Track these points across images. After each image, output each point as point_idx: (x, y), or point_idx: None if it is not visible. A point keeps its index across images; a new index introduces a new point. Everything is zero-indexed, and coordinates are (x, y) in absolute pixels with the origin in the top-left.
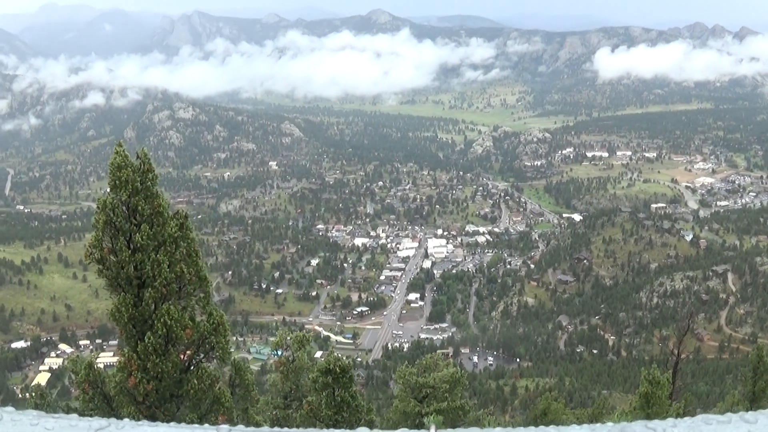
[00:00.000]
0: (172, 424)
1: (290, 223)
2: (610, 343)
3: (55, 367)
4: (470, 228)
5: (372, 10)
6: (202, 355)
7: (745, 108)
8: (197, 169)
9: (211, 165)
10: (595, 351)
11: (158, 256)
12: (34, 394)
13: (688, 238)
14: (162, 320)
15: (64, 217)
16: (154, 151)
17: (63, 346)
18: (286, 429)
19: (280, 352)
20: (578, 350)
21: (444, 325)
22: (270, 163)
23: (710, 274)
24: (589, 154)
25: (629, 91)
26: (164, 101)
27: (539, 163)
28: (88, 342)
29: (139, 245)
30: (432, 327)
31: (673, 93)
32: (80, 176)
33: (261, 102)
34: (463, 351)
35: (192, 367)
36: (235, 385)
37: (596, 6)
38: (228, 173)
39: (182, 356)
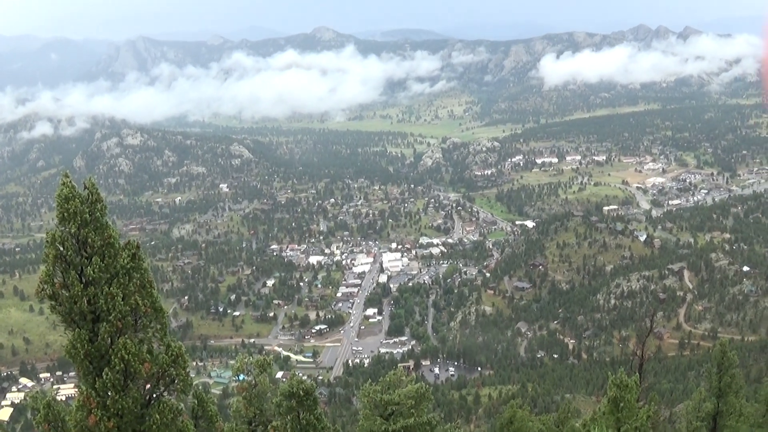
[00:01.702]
0: None
1: (244, 245)
2: (570, 346)
3: (17, 401)
4: (424, 240)
5: (316, 27)
6: (162, 389)
7: (692, 107)
8: (148, 195)
9: (162, 190)
10: (555, 355)
11: (111, 288)
12: None
13: (642, 238)
14: (119, 355)
15: (17, 249)
16: (105, 179)
17: (24, 380)
18: None
19: (241, 377)
20: (539, 356)
21: (403, 338)
22: (221, 185)
23: (666, 272)
24: (539, 161)
25: (576, 96)
26: (112, 128)
27: (489, 172)
28: (48, 375)
29: (91, 278)
30: (391, 341)
31: (619, 96)
32: (32, 208)
33: (209, 125)
34: (424, 363)
35: (153, 402)
36: (198, 417)
37: (540, 13)
38: (179, 198)
39: (142, 390)
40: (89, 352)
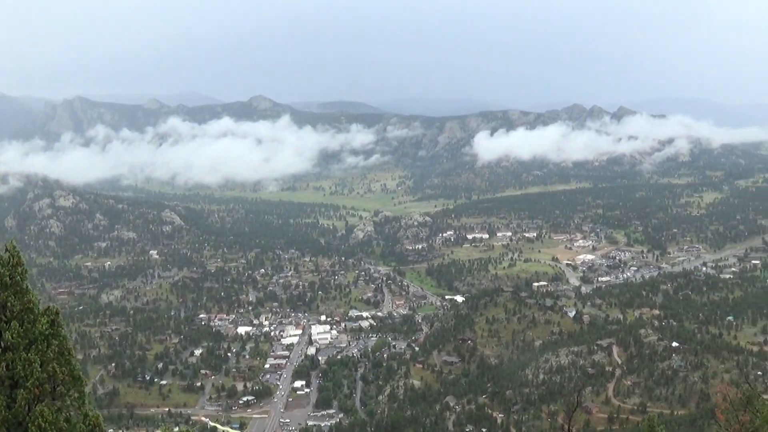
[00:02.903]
0: None
1: (172, 313)
2: (499, 421)
3: None
4: (354, 313)
5: (253, 96)
6: None
7: (624, 185)
8: (78, 258)
9: (92, 254)
10: (484, 430)
11: (30, 354)
12: None
13: (572, 314)
14: (36, 423)
15: None
16: (35, 240)
17: None
18: None
19: None
20: (467, 430)
21: (331, 411)
22: (151, 251)
23: (595, 348)
24: (470, 236)
25: (508, 173)
26: (45, 188)
27: (420, 247)
28: None
29: (9, 344)
30: (319, 414)
31: (552, 174)
32: None
33: (142, 189)
34: None
35: None
36: None
37: (475, 90)
38: (109, 263)
39: None
40: (6, 419)
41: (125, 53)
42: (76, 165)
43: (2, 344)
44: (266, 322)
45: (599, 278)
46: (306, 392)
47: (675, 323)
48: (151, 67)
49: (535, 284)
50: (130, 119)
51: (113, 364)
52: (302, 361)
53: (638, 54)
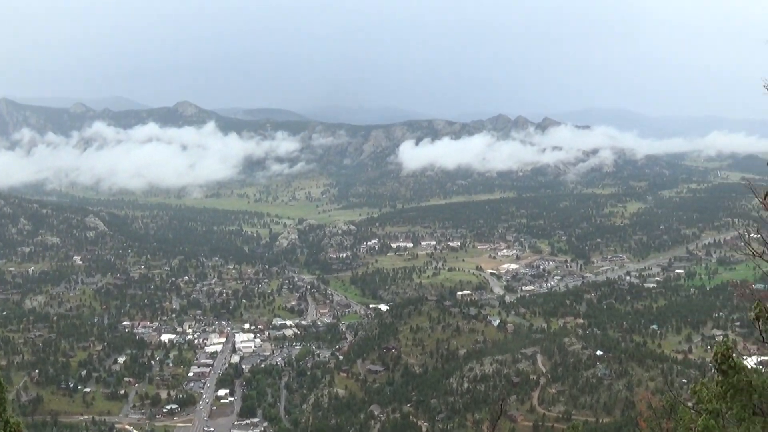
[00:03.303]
0: None
1: (96, 320)
2: (424, 429)
3: None
4: (277, 321)
5: (179, 102)
6: None
7: (548, 195)
8: (1, 263)
9: (16, 259)
10: None
11: None
12: None
13: (496, 323)
14: None
15: None
16: None
17: None
18: None
19: None
20: None
21: (255, 420)
22: (74, 257)
23: (519, 356)
24: (394, 245)
25: (433, 183)
26: None
27: (345, 255)
28: None
29: None
30: (243, 422)
31: (476, 183)
32: None
33: (66, 194)
34: None
35: None
36: None
37: (401, 100)
38: (32, 268)
39: None
40: None
41: (52, 55)
42: (1, 168)
43: None
44: (190, 330)
45: (523, 287)
46: (230, 401)
47: (599, 332)
48: (78, 70)
49: (459, 293)
50: (56, 123)
51: (37, 371)
52: (226, 369)
53: (563, 65)
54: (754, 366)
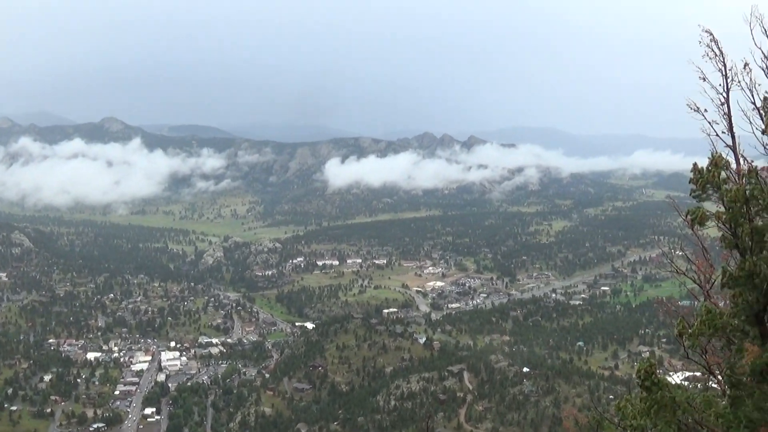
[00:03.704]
0: None
1: (21, 337)
2: None
3: None
4: (203, 339)
5: (105, 117)
6: None
7: (473, 213)
8: None
9: None
10: None
11: None
12: None
13: (422, 340)
14: None
15: None
16: None
17: None
18: None
19: None
20: None
21: None
22: (0, 274)
23: (446, 374)
24: (320, 263)
25: (359, 201)
26: None
27: (270, 273)
28: None
29: None
30: None
31: (402, 201)
32: None
33: None
34: None
35: None
36: None
37: (327, 117)
38: None
39: None
40: None
41: None
42: None
43: None
44: (116, 348)
45: (449, 305)
46: (156, 419)
47: (525, 349)
48: (3, 85)
49: (386, 311)
50: None
51: None
52: (152, 387)
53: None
54: (679, 382)
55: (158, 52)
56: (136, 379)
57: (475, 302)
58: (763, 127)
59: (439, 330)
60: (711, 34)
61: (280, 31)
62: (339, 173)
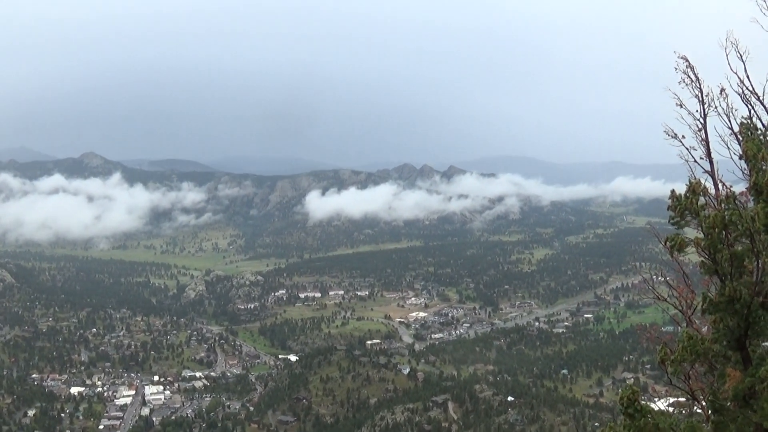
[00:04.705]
0: None
1: (5, 373)
2: None
3: None
4: (187, 373)
5: (85, 153)
6: None
7: (455, 243)
8: None
9: None
10: None
11: None
12: None
13: (406, 371)
14: None
15: None
16: None
17: None
18: None
19: None
20: None
21: None
22: None
23: (430, 404)
24: (302, 295)
25: (340, 232)
26: None
27: (253, 306)
28: None
29: None
30: None
31: (383, 232)
32: None
33: None
34: None
35: None
36: None
37: (306, 150)
38: None
39: None
40: None
41: None
42: None
43: None
44: (99, 383)
45: (432, 335)
46: None
47: (510, 378)
48: None
49: (369, 342)
50: None
51: None
52: (136, 422)
53: (468, 114)
54: (663, 408)
55: (137, 89)
56: (120, 414)
57: (458, 332)
58: (741, 152)
59: (422, 360)
60: (687, 60)
61: (252, 67)
62: (320, 205)
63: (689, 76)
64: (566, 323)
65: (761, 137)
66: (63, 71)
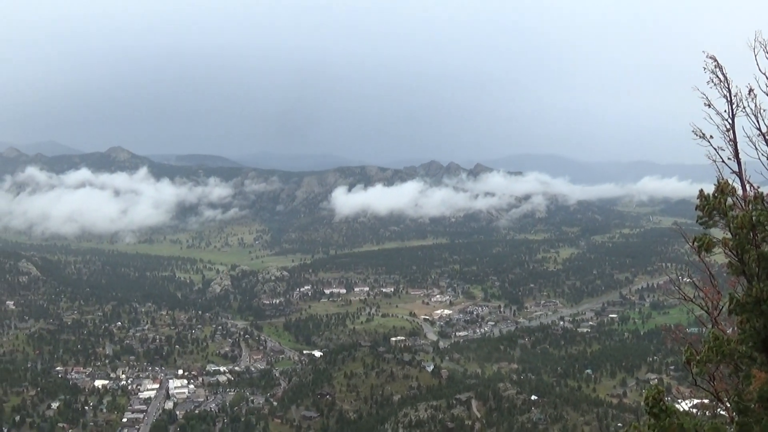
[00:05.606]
0: None
1: (29, 365)
2: None
3: None
4: (211, 367)
5: (112, 147)
6: None
7: (480, 241)
8: None
9: None
10: None
11: None
12: None
13: (430, 368)
14: None
15: None
16: None
17: None
18: None
19: None
20: None
21: None
22: (7, 302)
23: (454, 402)
24: (327, 291)
25: (366, 229)
26: None
27: (278, 301)
28: None
29: None
30: None
31: (409, 229)
32: None
33: None
34: None
35: None
36: None
37: (333, 146)
38: None
39: None
40: None
41: None
42: None
43: None
44: (123, 376)
45: (457, 333)
46: None
47: (533, 377)
48: (10, 114)
49: (393, 339)
50: None
51: None
52: (160, 415)
53: (496, 112)
54: (687, 409)
55: (165, 83)
56: (143, 407)
57: (482, 330)
58: None
59: (447, 358)
60: (715, 60)
61: (283, 62)
62: (346, 202)
63: (717, 76)
64: (591, 323)
65: None
66: (92, 66)
